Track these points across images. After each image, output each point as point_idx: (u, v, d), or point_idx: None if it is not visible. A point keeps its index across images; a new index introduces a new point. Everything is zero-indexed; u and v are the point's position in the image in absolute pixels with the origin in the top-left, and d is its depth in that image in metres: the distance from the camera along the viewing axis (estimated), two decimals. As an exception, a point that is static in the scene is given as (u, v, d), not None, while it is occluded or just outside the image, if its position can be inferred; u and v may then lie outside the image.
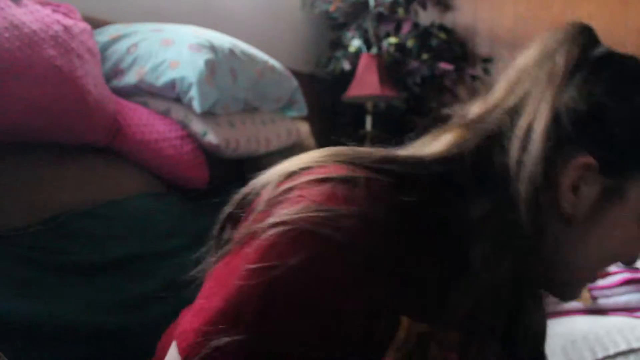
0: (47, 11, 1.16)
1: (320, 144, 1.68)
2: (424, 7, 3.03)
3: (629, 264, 0.68)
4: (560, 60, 0.67)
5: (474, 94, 3.22)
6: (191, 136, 1.43)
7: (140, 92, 1.45)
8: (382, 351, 0.56)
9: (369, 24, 2.91)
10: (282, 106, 1.77)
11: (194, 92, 1.39)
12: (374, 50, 2.89)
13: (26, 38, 1.06)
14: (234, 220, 0.62)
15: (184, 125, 1.43)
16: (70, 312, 0.87)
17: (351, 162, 0.61)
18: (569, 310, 1.52)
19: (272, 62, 1.66)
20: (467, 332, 0.61)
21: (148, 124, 1.36)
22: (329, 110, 2.97)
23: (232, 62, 1.49)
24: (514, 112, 0.65)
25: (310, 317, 0.53)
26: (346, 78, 2.82)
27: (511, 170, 0.61)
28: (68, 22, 1.19)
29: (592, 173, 0.62)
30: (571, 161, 0.61)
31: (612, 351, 1.39)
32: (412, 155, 0.68)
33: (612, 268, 1.59)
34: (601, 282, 1.54)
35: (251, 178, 0.63)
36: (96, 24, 1.45)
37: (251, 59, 1.57)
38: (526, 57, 0.71)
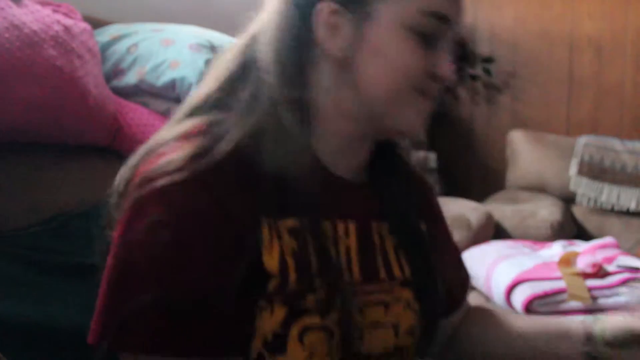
0: (47, 11, 1.16)
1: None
2: (424, 7, 3.03)
3: (428, 89, 0.73)
4: None
5: (474, 94, 3.24)
6: (191, 136, 1.43)
7: (141, 92, 1.45)
8: (256, 255, 0.65)
9: (369, 24, 2.91)
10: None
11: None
12: (374, 50, 2.89)
13: (26, 38, 1.06)
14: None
15: (184, 125, 1.43)
16: (70, 313, 0.87)
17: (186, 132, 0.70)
18: (569, 310, 1.52)
19: (272, 62, 1.66)
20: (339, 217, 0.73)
21: (148, 124, 1.36)
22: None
23: (232, 62, 1.49)
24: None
25: (185, 254, 0.62)
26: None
27: (265, 58, 0.72)
28: (68, 22, 1.19)
29: (339, 15, 0.70)
30: (318, 14, 0.71)
31: (612, 351, 1.39)
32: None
33: (612, 268, 1.59)
34: (601, 282, 1.54)
35: None
36: (96, 24, 1.45)
37: (251, 59, 1.57)
38: None
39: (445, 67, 0.72)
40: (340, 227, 0.74)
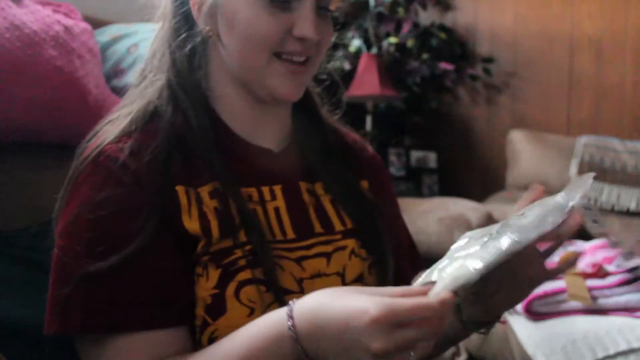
0: (47, 11, 1.16)
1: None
2: (424, 7, 3.03)
3: (290, 51, 0.74)
4: None
5: (474, 94, 3.24)
6: (191, 136, 1.43)
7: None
8: (178, 222, 0.70)
9: (369, 24, 2.91)
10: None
11: (194, 92, 1.39)
12: (374, 50, 2.89)
13: (27, 38, 1.06)
14: None
15: (184, 126, 1.43)
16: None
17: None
18: (569, 310, 1.52)
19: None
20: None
21: (148, 124, 1.36)
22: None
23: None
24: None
25: (102, 227, 0.67)
26: (346, 78, 2.82)
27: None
28: (68, 22, 1.19)
29: None
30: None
31: (612, 351, 1.39)
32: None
33: (612, 268, 1.59)
34: (601, 282, 1.54)
35: None
36: (96, 24, 1.45)
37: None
38: None
39: (304, 25, 0.72)
40: (266, 191, 0.77)
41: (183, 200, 0.72)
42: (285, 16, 0.72)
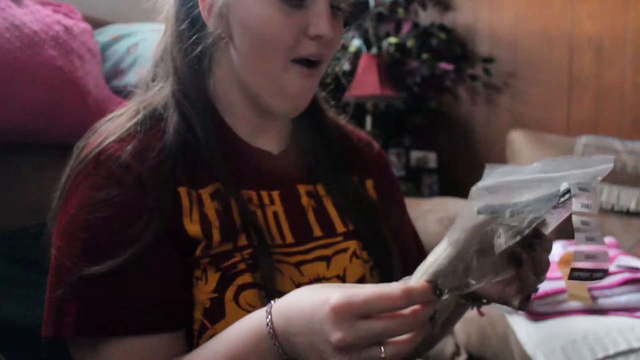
0: (47, 11, 1.16)
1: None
2: (424, 7, 3.03)
3: (305, 52, 0.72)
4: None
5: (474, 94, 3.24)
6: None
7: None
8: (178, 224, 0.69)
9: (369, 24, 2.91)
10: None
11: (194, 92, 1.39)
12: (374, 50, 2.89)
13: (27, 38, 1.06)
14: None
15: (184, 126, 1.43)
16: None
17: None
18: (569, 310, 1.52)
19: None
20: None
21: (148, 124, 1.36)
22: (329, 110, 2.97)
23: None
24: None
25: (100, 228, 0.66)
26: (346, 78, 2.82)
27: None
28: (68, 22, 1.19)
29: None
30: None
31: (612, 351, 1.39)
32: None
33: (612, 268, 1.59)
34: (601, 282, 1.54)
35: None
36: (96, 24, 1.44)
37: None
38: None
39: (319, 22, 0.71)
40: (264, 196, 0.76)
41: (185, 202, 0.71)
42: (299, 15, 0.71)
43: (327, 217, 0.80)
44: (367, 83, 2.67)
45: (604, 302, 1.52)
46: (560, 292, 1.53)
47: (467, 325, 1.72)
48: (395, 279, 0.79)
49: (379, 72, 2.69)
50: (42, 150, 1.12)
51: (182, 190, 0.71)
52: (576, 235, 0.52)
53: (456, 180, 3.11)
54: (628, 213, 2.33)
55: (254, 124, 0.79)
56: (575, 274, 0.53)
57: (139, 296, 0.66)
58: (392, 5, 2.93)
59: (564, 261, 1.65)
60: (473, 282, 0.57)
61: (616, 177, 2.32)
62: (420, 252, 0.92)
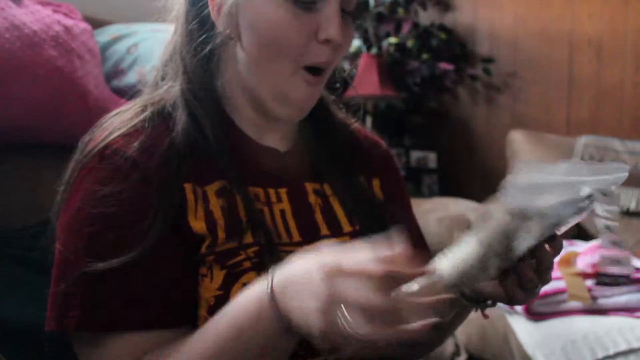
0: (47, 11, 1.16)
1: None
2: (424, 7, 3.03)
3: (314, 55, 0.71)
4: None
5: (474, 94, 3.24)
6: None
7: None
8: (183, 220, 0.68)
9: (369, 24, 2.91)
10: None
11: (194, 92, 1.39)
12: (374, 50, 2.89)
13: (27, 38, 1.06)
14: None
15: (184, 126, 1.43)
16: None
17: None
18: (569, 310, 1.52)
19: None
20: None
21: (148, 124, 1.36)
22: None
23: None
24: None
25: (106, 221, 0.66)
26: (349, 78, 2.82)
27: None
28: (68, 22, 1.19)
29: None
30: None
31: (612, 351, 1.39)
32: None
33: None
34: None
35: None
36: (96, 24, 1.44)
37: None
38: None
39: (329, 26, 0.70)
40: (272, 193, 0.76)
41: (190, 198, 0.70)
42: (309, 19, 0.70)
43: (334, 216, 0.80)
44: (367, 83, 2.67)
45: (604, 302, 1.52)
46: (560, 292, 1.53)
47: (467, 325, 1.72)
48: None
49: (379, 72, 2.69)
50: (42, 150, 1.12)
51: (188, 187, 0.70)
52: (602, 239, 0.53)
53: (456, 180, 3.11)
54: (628, 213, 2.33)
55: (259, 124, 0.79)
56: (601, 279, 0.54)
57: (143, 292, 0.65)
58: (392, 5, 2.93)
59: (564, 261, 1.65)
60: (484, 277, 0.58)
61: (616, 177, 2.31)
62: (425, 251, 0.92)
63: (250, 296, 0.61)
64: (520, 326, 1.56)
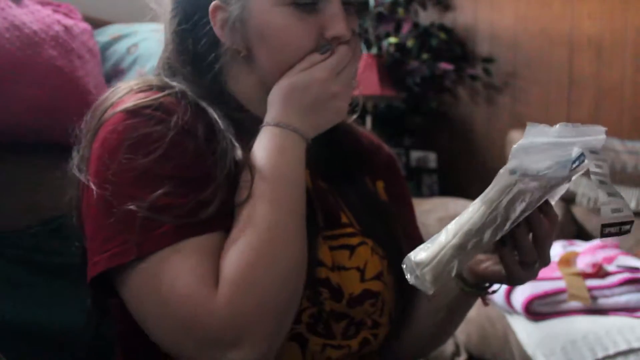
0: (47, 11, 1.16)
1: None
2: (424, 7, 3.03)
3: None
4: None
5: (474, 94, 3.24)
6: (191, 136, 1.43)
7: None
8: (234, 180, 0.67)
9: (369, 24, 2.91)
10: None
11: (194, 92, 1.39)
12: (374, 50, 2.89)
13: (27, 38, 1.06)
14: None
15: (184, 126, 1.43)
16: (70, 313, 0.87)
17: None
18: (569, 310, 1.52)
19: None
20: None
21: (148, 124, 1.36)
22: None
23: (232, 62, 1.49)
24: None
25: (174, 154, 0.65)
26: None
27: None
28: (68, 22, 1.19)
29: (222, 10, 0.72)
30: (211, 13, 0.72)
31: (612, 351, 1.39)
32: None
33: (612, 268, 1.59)
34: (601, 282, 1.54)
35: None
36: (96, 24, 1.45)
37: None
38: None
39: (335, 24, 0.70)
40: None
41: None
42: (314, 19, 0.70)
43: (344, 210, 0.80)
44: (367, 83, 2.67)
45: (604, 302, 1.52)
46: (560, 292, 1.53)
47: (467, 325, 1.72)
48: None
49: (379, 72, 2.69)
50: (42, 150, 1.12)
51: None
52: (599, 193, 0.56)
53: (456, 180, 3.11)
54: (628, 213, 2.33)
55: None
56: (606, 231, 0.56)
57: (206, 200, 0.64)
58: (392, 5, 2.93)
59: (564, 261, 1.65)
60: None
61: (616, 177, 2.32)
62: None
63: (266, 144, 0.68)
64: (520, 326, 1.56)
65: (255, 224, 0.63)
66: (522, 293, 1.55)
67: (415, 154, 3.04)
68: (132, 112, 0.67)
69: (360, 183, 0.84)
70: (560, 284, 1.54)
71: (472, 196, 2.48)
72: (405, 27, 2.91)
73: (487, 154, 3.08)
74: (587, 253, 1.71)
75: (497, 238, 0.61)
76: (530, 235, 0.66)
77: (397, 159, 0.96)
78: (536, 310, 1.54)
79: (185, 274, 0.61)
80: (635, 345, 1.38)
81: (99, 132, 0.69)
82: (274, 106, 0.70)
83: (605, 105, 2.81)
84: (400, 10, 2.95)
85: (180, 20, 0.76)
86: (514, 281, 0.68)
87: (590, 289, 1.52)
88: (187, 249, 0.62)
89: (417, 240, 0.90)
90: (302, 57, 0.71)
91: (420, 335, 0.86)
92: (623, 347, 1.39)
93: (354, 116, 0.90)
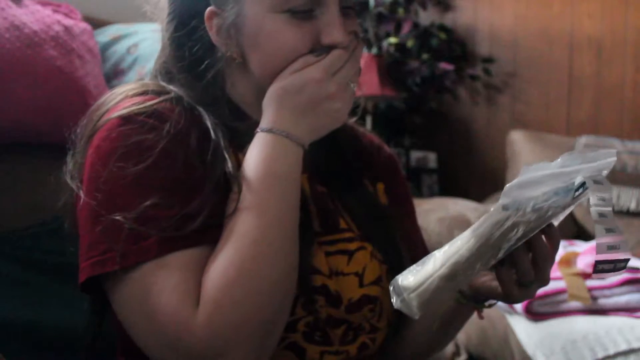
0: (47, 12, 1.16)
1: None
2: (424, 7, 3.03)
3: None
4: None
5: (474, 94, 3.24)
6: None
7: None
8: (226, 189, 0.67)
9: (369, 24, 2.91)
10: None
11: (194, 92, 1.39)
12: (374, 50, 2.89)
13: (27, 39, 1.06)
14: None
15: (184, 126, 1.43)
16: (70, 314, 0.87)
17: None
18: (569, 310, 1.52)
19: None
20: None
21: (148, 124, 1.36)
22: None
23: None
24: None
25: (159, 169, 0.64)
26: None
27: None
28: (68, 22, 1.19)
29: (217, 17, 0.72)
30: (206, 19, 0.72)
31: (612, 351, 1.39)
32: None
33: (612, 268, 1.59)
34: (601, 282, 1.54)
35: None
36: (96, 24, 1.45)
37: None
38: None
39: (332, 31, 0.69)
40: None
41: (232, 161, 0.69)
42: (310, 26, 0.69)
43: (342, 215, 0.79)
44: (367, 83, 2.67)
45: (604, 302, 1.52)
46: (560, 292, 1.53)
47: (467, 325, 1.71)
48: None
49: (379, 72, 2.69)
50: (41, 150, 1.12)
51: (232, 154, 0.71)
52: (596, 227, 0.54)
53: (456, 180, 3.11)
54: (628, 213, 2.34)
55: None
56: (599, 267, 0.54)
57: (194, 210, 0.64)
58: (392, 5, 2.93)
59: (564, 261, 1.65)
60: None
61: (616, 177, 2.32)
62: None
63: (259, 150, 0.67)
64: (520, 326, 1.56)
65: (238, 239, 0.63)
66: (522, 293, 1.55)
67: (415, 154, 3.04)
68: (126, 119, 0.67)
69: (360, 187, 0.83)
70: (561, 284, 1.54)
71: (472, 196, 2.50)
72: (405, 27, 2.91)
73: (487, 154, 3.08)
74: (587, 253, 1.71)
75: (490, 266, 0.60)
76: (530, 254, 0.64)
77: (398, 160, 0.94)
78: (536, 310, 1.54)
79: (169, 290, 0.61)
80: (636, 345, 1.38)
81: (93, 138, 0.69)
82: (268, 110, 0.69)
83: (605, 105, 2.81)
84: (400, 10, 2.95)
85: (176, 25, 0.76)
86: (510, 300, 0.67)
87: (590, 289, 1.52)
88: (171, 263, 0.62)
89: (417, 242, 0.90)
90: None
91: (416, 342, 0.85)
92: (623, 347, 1.39)
93: (355, 117, 0.89)
